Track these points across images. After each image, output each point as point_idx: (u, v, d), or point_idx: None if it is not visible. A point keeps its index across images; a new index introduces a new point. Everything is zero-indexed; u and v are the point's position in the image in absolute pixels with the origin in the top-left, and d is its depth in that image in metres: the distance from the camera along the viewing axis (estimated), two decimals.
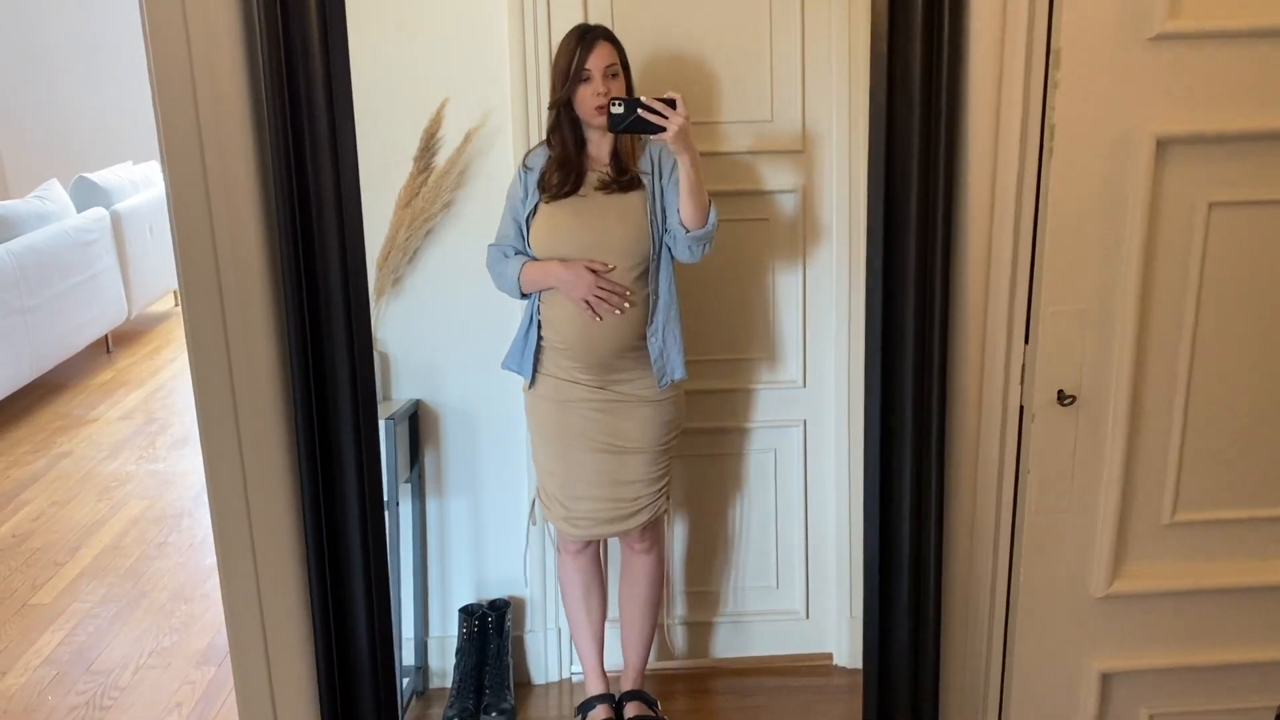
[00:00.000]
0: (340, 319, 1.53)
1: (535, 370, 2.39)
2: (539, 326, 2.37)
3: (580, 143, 2.32)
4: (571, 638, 2.70)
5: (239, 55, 1.50)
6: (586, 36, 2.24)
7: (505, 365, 2.44)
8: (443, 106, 2.52)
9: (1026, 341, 1.68)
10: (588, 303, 2.27)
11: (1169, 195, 1.62)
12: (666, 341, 2.33)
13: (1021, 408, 1.71)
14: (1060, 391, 1.68)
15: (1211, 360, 1.71)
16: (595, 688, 2.63)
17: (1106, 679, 1.83)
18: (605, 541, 2.71)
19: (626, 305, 2.28)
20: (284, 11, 1.47)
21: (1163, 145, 1.59)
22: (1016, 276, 1.65)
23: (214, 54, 1.49)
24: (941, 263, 1.60)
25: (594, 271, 2.26)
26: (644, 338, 2.33)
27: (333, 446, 1.56)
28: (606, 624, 2.76)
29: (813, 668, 2.85)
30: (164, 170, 1.53)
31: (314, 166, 1.51)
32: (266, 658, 1.67)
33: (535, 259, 2.34)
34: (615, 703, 2.63)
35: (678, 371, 2.36)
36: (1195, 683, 1.85)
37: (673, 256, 2.33)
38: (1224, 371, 1.71)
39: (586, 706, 2.62)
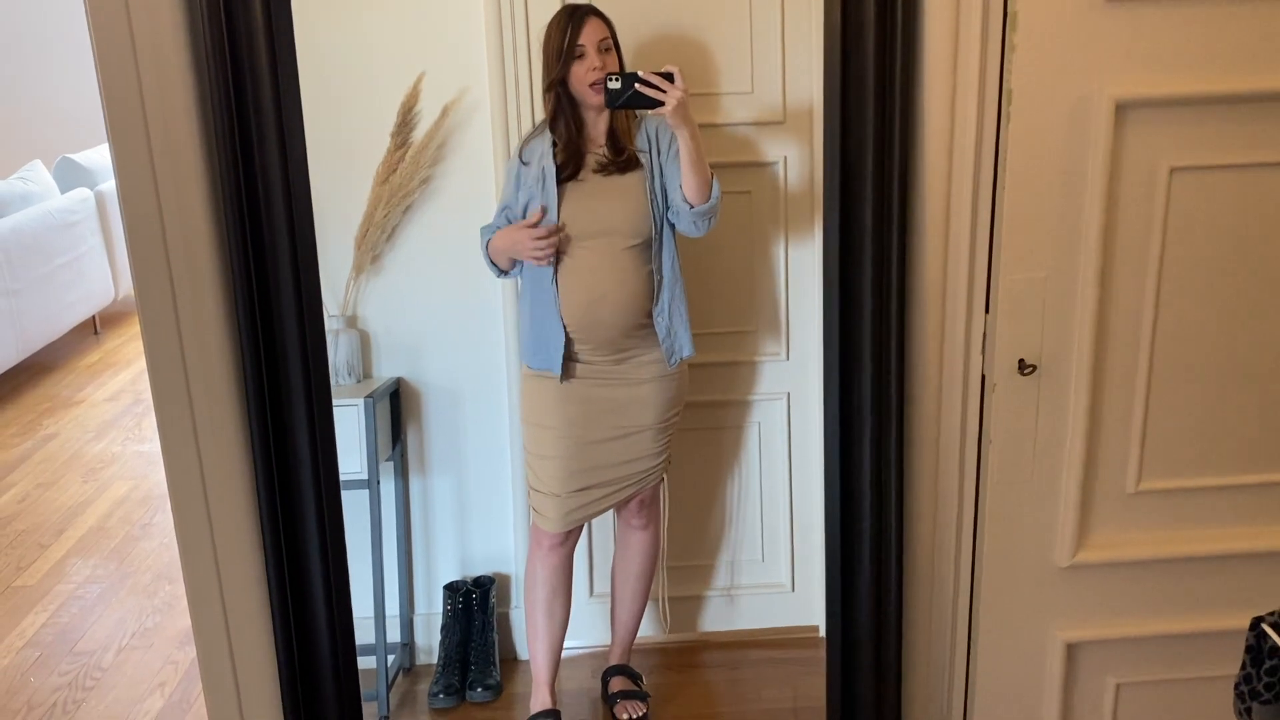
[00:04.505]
0: (290, 300, 1.52)
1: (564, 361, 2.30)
2: (561, 318, 2.28)
3: (579, 124, 2.28)
4: (528, 644, 2.53)
5: (181, 31, 1.48)
6: (576, 13, 2.21)
7: (535, 366, 2.34)
8: (419, 80, 2.48)
9: (987, 310, 1.66)
10: (542, 258, 2.21)
11: (1129, 160, 1.60)
12: (673, 320, 2.31)
13: (983, 377, 1.69)
14: (1021, 360, 1.66)
15: (1174, 327, 1.69)
16: (542, 702, 2.49)
17: (1072, 649, 1.83)
18: (590, 528, 2.69)
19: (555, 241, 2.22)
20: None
21: (1122, 109, 1.57)
22: (976, 245, 1.63)
23: (156, 31, 1.47)
24: (899, 232, 1.58)
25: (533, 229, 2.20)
26: (650, 316, 2.31)
27: (287, 431, 1.55)
28: (593, 599, 2.77)
29: (799, 640, 2.84)
30: (113, 160, 1.51)
31: (260, 147, 1.49)
32: (229, 640, 1.67)
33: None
34: (601, 678, 2.63)
35: (686, 349, 2.34)
36: (1162, 652, 1.84)
37: (674, 234, 2.30)
38: (1187, 338, 1.70)
39: None
